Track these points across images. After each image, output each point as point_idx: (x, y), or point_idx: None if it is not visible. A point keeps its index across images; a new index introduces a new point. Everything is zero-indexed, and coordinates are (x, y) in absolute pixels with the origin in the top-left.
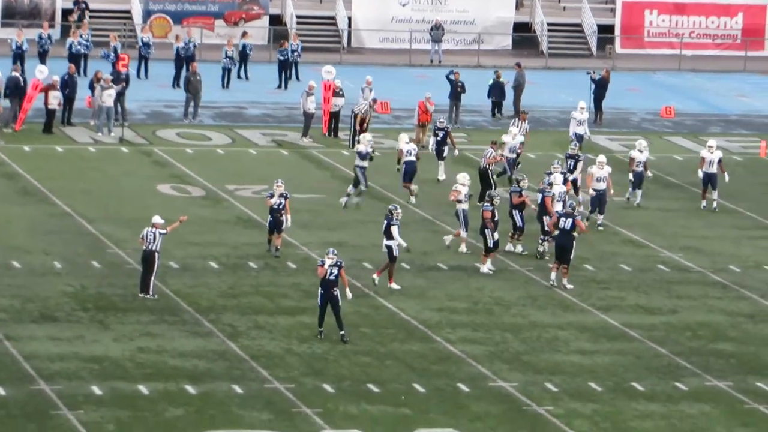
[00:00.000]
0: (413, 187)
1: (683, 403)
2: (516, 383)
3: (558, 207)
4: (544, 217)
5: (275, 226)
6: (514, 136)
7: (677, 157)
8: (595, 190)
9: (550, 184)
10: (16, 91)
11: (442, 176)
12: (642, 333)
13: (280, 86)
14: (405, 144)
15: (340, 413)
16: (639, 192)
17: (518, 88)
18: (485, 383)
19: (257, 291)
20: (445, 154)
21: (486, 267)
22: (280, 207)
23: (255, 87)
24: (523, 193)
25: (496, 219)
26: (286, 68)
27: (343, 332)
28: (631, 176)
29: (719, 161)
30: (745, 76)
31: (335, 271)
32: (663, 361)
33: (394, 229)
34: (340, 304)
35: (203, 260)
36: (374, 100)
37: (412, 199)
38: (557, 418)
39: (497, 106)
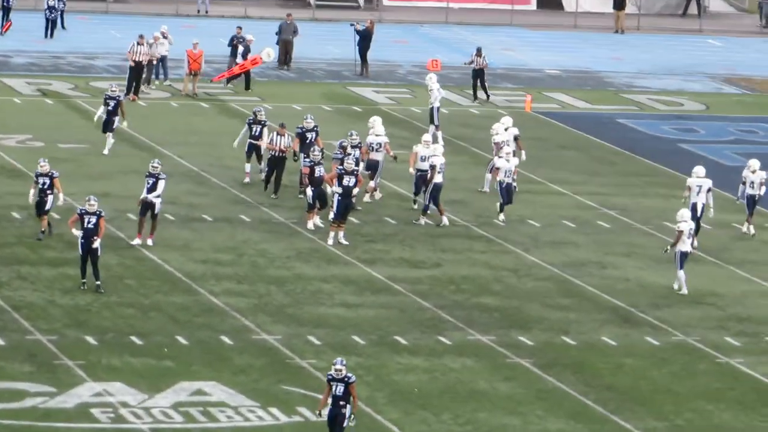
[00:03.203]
0: None
1: (446, 356)
2: (279, 336)
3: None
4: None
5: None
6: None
7: (443, 110)
8: (418, 170)
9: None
10: None
11: (107, 150)
12: (406, 286)
13: (46, 36)
14: None
15: (103, 366)
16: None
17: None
18: (249, 336)
19: (20, 241)
20: (115, 125)
21: (311, 223)
22: (45, 186)
23: (20, 35)
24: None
25: (316, 175)
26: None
27: (98, 282)
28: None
29: (516, 138)
30: (512, 30)
31: (93, 219)
32: (427, 314)
33: (161, 184)
34: (99, 254)
35: None
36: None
37: None
38: (320, 371)
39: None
